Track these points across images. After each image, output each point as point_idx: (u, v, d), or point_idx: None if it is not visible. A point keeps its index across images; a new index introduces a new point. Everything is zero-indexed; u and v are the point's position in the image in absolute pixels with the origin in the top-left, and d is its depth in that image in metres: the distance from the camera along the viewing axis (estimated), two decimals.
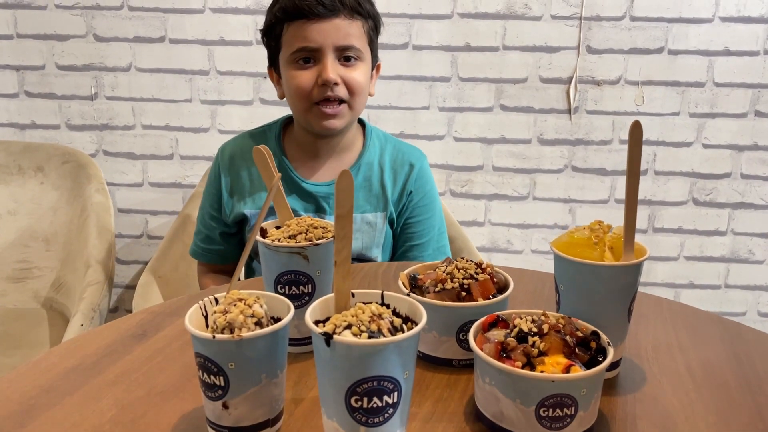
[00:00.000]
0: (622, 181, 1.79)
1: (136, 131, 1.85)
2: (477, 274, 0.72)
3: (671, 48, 1.70)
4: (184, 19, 1.76)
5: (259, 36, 1.75)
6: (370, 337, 0.51)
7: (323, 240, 0.72)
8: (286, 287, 0.72)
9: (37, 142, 1.82)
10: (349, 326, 0.51)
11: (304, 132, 1.17)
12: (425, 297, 0.71)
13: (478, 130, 1.79)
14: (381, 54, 1.74)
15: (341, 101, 1.10)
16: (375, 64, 1.19)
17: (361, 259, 1.18)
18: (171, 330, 0.80)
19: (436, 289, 0.71)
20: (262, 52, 1.78)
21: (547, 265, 1.87)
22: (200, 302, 0.62)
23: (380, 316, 0.52)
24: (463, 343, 0.71)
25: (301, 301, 0.73)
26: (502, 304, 0.71)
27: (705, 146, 1.76)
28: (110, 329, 0.81)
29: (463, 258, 0.75)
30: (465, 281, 0.71)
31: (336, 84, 1.08)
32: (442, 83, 1.77)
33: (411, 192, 1.21)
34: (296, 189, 1.17)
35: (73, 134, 1.86)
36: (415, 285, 0.75)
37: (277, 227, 0.77)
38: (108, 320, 1.95)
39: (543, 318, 0.62)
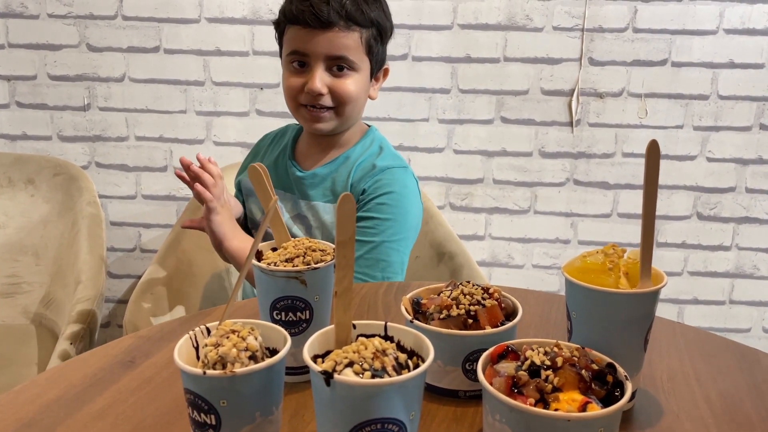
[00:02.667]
0: (625, 195, 1.77)
1: (129, 143, 1.81)
2: (484, 299, 0.69)
3: (675, 60, 1.67)
4: (180, 28, 1.72)
5: (255, 46, 1.73)
6: (373, 376, 0.47)
7: (322, 264, 0.68)
8: (283, 313, 0.69)
9: (28, 153, 1.78)
10: (350, 364, 0.47)
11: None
12: (429, 324, 0.68)
13: (478, 142, 1.76)
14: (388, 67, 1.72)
15: (327, 108, 1.12)
16: (379, 69, 1.18)
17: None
18: (161, 357, 0.76)
19: (441, 316, 0.68)
20: (258, 63, 1.75)
21: (549, 281, 1.84)
22: (191, 333, 0.58)
23: (384, 352, 0.49)
24: (470, 374, 0.67)
25: (299, 328, 0.69)
26: (510, 332, 0.67)
27: (709, 160, 1.73)
28: (97, 355, 0.77)
29: (468, 282, 0.72)
30: (472, 308, 0.67)
31: (321, 94, 1.09)
32: (442, 95, 1.73)
33: (364, 190, 1.13)
34: (286, 168, 1.22)
35: (65, 146, 1.82)
36: (419, 310, 0.71)
37: (273, 249, 0.74)
38: (99, 336, 1.91)
39: (556, 350, 0.58)
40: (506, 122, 1.74)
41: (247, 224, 1.28)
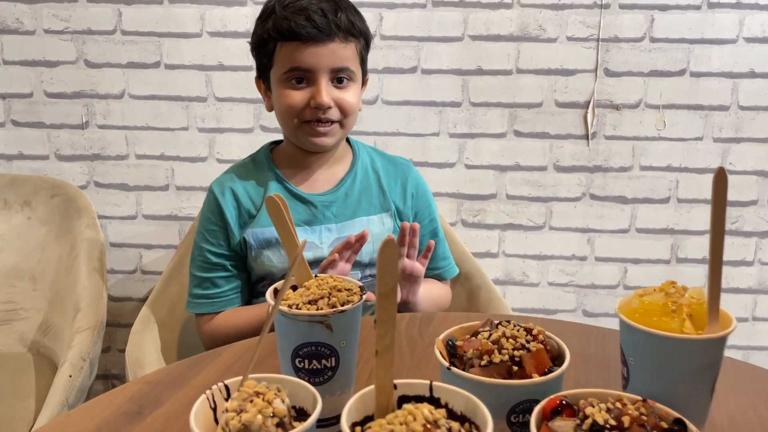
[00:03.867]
0: (642, 210, 1.71)
1: (129, 161, 1.75)
2: (528, 342, 0.62)
3: (693, 70, 1.62)
4: (181, 43, 1.66)
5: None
6: None
7: (349, 306, 0.62)
8: (306, 361, 0.62)
9: (25, 174, 1.71)
10: None
11: (295, 147, 1.16)
12: (469, 371, 0.61)
13: (490, 157, 1.70)
14: (387, 78, 1.67)
15: (332, 122, 1.10)
16: (364, 80, 1.19)
17: (371, 265, 1.15)
18: (171, 405, 0.70)
19: (483, 363, 0.61)
20: None
21: (566, 299, 1.77)
22: (208, 393, 0.51)
23: (436, 424, 0.42)
24: (516, 427, 0.61)
25: (323, 377, 0.63)
26: (559, 380, 0.61)
27: (730, 172, 1.67)
28: (100, 405, 0.70)
29: (509, 322, 0.65)
30: (516, 353, 0.61)
31: (329, 108, 1.07)
32: (453, 108, 1.68)
33: (413, 194, 1.23)
34: (297, 200, 1.16)
35: (63, 165, 1.76)
36: (454, 354, 0.65)
37: (294, 287, 0.67)
38: (100, 362, 1.84)
39: (620, 406, 0.52)
40: (519, 136, 1.68)
41: (252, 283, 1.19)
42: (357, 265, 1.12)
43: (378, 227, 1.15)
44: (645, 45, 1.61)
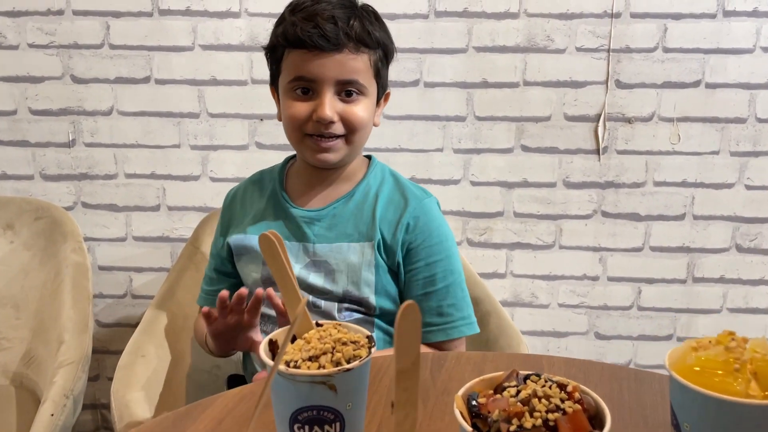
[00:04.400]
0: (657, 227, 1.63)
1: (118, 180, 1.66)
2: (563, 402, 0.54)
3: (709, 81, 1.55)
4: (172, 57, 1.59)
5: (254, 75, 1.60)
6: None
7: (356, 363, 0.54)
8: (306, 427, 0.54)
9: (8, 195, 1.64)
10: None
11: (303, 164, 1.10)
12: None
13: (497, 173, 1.62)
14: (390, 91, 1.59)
15: (338, 136, 1.01)
16: (383, 94, 1.09)
17: (349, 298, 1.04)
18: None
19: (512, 428, 0.53)
20: (257, 92, 1.62)
21: (577, 321, 1.69)
22: None
23: None
24: None
25: None
26: None
27: (748, 187, 1.60)
28: None
29: (539, 377, 0.57)
30: (550, 416, 0.53)
31: (333, 122, 0.99)
32: (457, 123, 1.60)
33: (408, 225, 1.05)
34: (284, 212, 1.09)
35: (49, 185, 1.67)
36: (477, 413, 0.56)
37: (293, 338, 0.59)
38: (88, 390, 1.75)
39: None
40: (527, 151, 1.61)
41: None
42: (331, 297, 1.04)
43: (357, 257, 1.03)
44: (658, 55, 1.54)
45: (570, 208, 1.63)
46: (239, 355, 1.35)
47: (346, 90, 1.00)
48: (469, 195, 1.64)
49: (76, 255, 1.45)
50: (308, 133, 1.01)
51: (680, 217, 1.62)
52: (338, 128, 1.00)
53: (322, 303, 1.04)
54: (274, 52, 1.04)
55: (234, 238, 1.11)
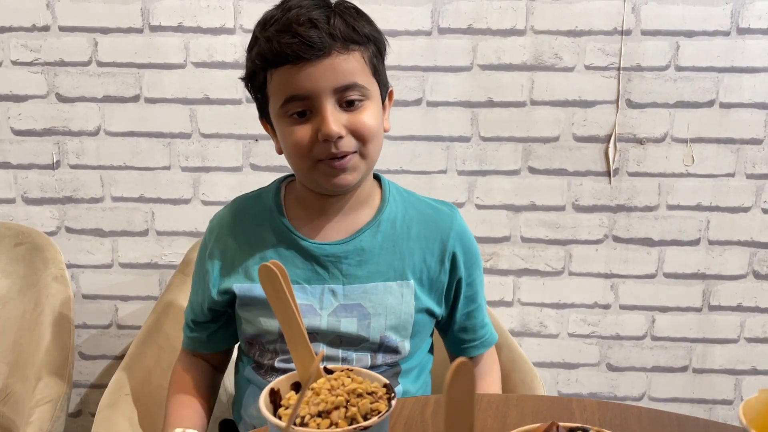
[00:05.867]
0: (670, 253, 1.56)
1: (104, 204, 1.58)
2: None
3: (723, 101, 1.49)
4: (162, 75, 1.51)
5: (248, 93, 1.52)
6: None
7: (375, 419, 0.45)
8: None
9: None
10: None
11: (309, 191, 0.95)
12: None
13: (503, 196, 1.55)
14: (391, 111, 1.52)
15: (351, 152, 0.89)
16: (386, 93, 0.97)
17: (386, 346, 0.92)
18: None
19: None
20: (252, 112, 1.53)
21: (587, 352, 1.61)
22: None
23: None
24: None
25: None
26: None
27: (765, 211, 1.53)
28: None
29: (579, 431, 0.49)
30: None
31: (340, 138, 0.86)
32: (462, 143, 1.53)
33: (455, 256, 0.97)
34: (298, 251, 0.94)
35: (31, 209, 1.59)
36: None
37: (295, 384, 0.50)
38: (70, 428, 1.64)
39: None
40: (535, 173, 1.54)
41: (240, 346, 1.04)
42: (365, 346, 0.92)
43: (396, 298, 0.93)
44: (670, 74, 1.48)
45: (580, 233, 1.56)
46: (228, 395, 1.26)
47: (347, 99, 0.87)
48: (474, 219, 1.57)
49: (57, 283, 1.36)
50: (318, 159, 0.88)
51: (695, 242, 1.55)
52: (349, 143, 0.87)
53: (354, 355, 0.91)
54: (255, 78, 0.92)
55: (241, 288, 0.95)
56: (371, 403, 0.47)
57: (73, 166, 1.56)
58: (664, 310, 1.58)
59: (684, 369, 1.61)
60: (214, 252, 0.99)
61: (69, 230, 1.59)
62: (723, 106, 1.49)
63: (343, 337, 0.91)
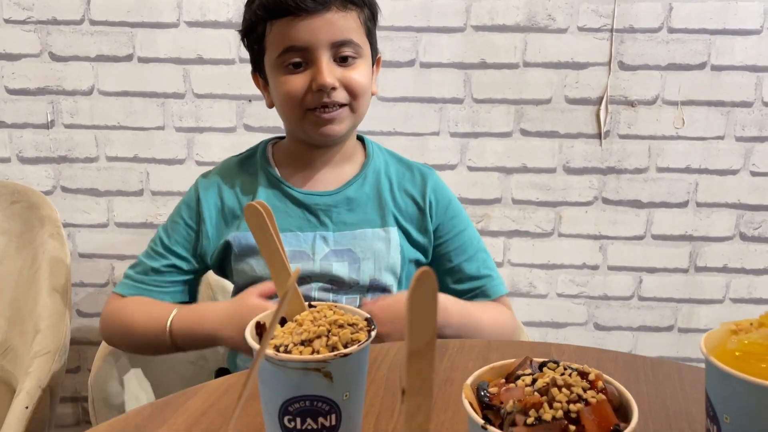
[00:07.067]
0: (659, 215, 1.58)
1: (99, 164, 1.59)
2: (585, 391, 0.48)
3: (714, 63, 1.49)
4: (155, 34, 1.51)
5: (242, 53, 1.52)
6: None
7: (354, 347, 0.48)
8: (298, 419, 0.48)
9: None
10: None
11: (297, 143, 1.01)
12: (511, 431, 0.47)
13: (495, 158, 1.56)
14: (383, 73, 1.52)
15: (341, 105, 0.94)
16: (375, 58, 1.02)
17: (375, 287, 0.98)
18: None
19: (529, 421, 0.47)
20: (245, 72, 1.54)
21: (576, 312, 1.64)
22: None
23: None
24: None
25: None
26: None
27: (753, 174, 1.55)
28: None
29: (556, 364, 0.51)
30: (572, 407, 0.47)
31: (333, 89, 0.91)
32: (454, 105, 1.54)
33: (431, 204, 1.04)
34: (291, 200, 1.00)
35: (26, 168, 1.60)
36: (488, 405, 0.51)
37: (282, 320, 0.53)
38: (68, 382, 1.68)
39: None
40: (526, 135, 1.55)
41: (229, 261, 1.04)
42: (356, 288, 0.97)
43: (383, 243, 0.99)
44: (662, 36, 1.48)
45: (570, 195, 1.58)
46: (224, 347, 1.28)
47: (342, 55, 0.93)
48: (466, 181, 1.58)
49: (54, 240, 1.38)
50: (309, 108, 0.93)
51: (683, 205, 1.57)
52: (340, 95, 0.93)
53: (344, 299, 0.96)
54: (254, 30, 0.97)
55: (236, 236, 0.99)
56: (352, 333, 0.49)
57: (67, 126, 1.57)
58: (651, 271, 1.61)
59: (669, 329, 1.65)
60: (206, 207, 1.02)
61: (64, 189, 1.61)
62: (714, 68, 1.50)
63: (334, 281, 0.96)
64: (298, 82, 0.92)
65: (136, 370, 1.13)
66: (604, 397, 0.48)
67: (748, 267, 1.60)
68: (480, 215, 1.60)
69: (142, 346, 1.00)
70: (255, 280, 0.96)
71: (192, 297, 1.06)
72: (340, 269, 0.96)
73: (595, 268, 1.62)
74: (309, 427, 0.48)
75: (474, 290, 1.06)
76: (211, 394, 0.67)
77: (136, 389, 1.10)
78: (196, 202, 1.03)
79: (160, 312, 0.95)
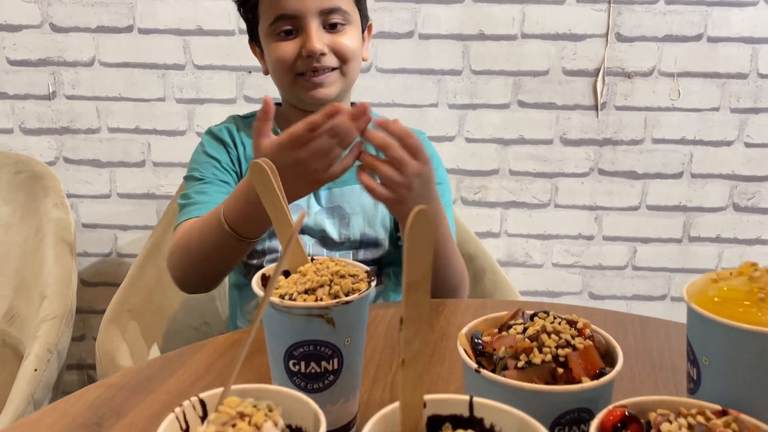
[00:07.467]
0: (654, 186, 1.60)
1: (101, 135, 1.61)
2: (573, 338, 0.51)
3: (711, 35, 1.51)
4: (156, 5, 1.52)
5: (242, 24, 1.53)
6: None
7: (355, 296, 0.50)
8: (302, 363, 0.51)
9: None
10: None
11: (293, 108, 1.05)
12: (503, 374, 0.50)
13: (493, 129, 1.58)
14: (382, 44, 1.54)
15: (332, 69, 0.97)
16: (366, 25, 1.05)
17: (366, 241, 1.02)
18: (137, 416, 0.58)
19: (520, 365, 0.50)
20: (245, 43, 1.55)
21: (571, 281, 1.67)
22: (178, 410, 0.39)
23: None
24: None
25: (324, 382, 0.51)
26: (612, 385, 0.50)
27: (747, 145, 1.57)
28: (53, 415, 0.59)
29: (547, 314, 0.54)
30: (560, 351, 0.50)
31: (323, 54, 0.95)
32: (453, 77, 1.55)
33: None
34: None
35: (29, 139, 1.61)
36: (481, 351, 0.53)
37: (285, 273, 0.55)
38: (73, 351, 1.71)
39: (702, 420, 0.41)
40: (524, 106, 1.57)
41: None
42: (347, 244, 1.01)
43: (371, 198, 1.01)
44: (660, 7, 1.49)
45: (566, 166, 1.60)
46: (226, 315, 1.31)
47: (331, 22, 0.97)
48: (464, 152, 1.60)
49: (57, 210, 1.40)
50: (300, 73, 0.97)
51: (678, 176, 1.59)
52: (330, 60, 0.96)
53: (337, 255, 0.99)
54: (248, 1, 1.01)
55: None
56: (353, 283, 0.52)
57: (69, 97, 1.58)
58: (645, 241, 1.64)
59: (663, 297, 1.68)
60: (226, 140, 1.06)
61: (67, 160, 1.62)
62: (711, 40, 1.51)
63: (327, 238, 1.00)
64: (288, 48, 0.96)
65: (142, 333, 1.16)
66: (591, 343, 0.51)
67: (740, 237, 1.63)
68: (477, 186, 1.62)
69: (205, 254, 0.90)
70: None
71: None
72: (331, 226, 1.01)
73: (590, 238, 1.65)
74: (313, 371, 0.50)
75: None
76: (217, 348, 0.70)
77: (142, 351, 1.13)
78: (218, 138, 1.06)
79: (211, 211, 0.90)
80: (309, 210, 1.02)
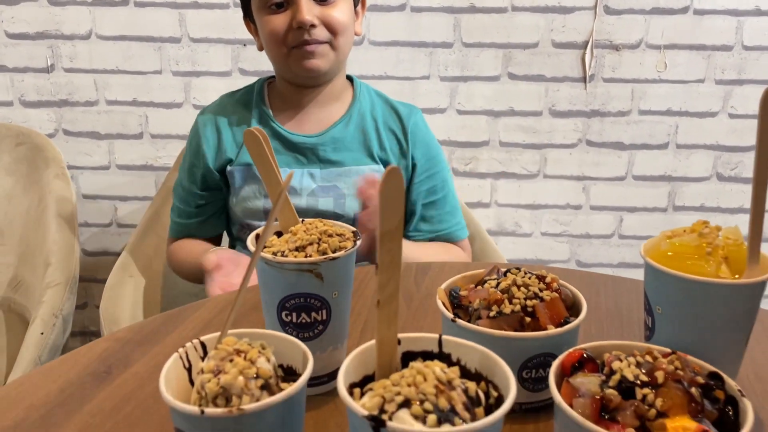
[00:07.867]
0: (641, 156, 1.64)
1: (99, 107, 1.64)
2: (541, 291, 0.56)
3: (697, 7, 1.53)
4: None
5: None
6: (440, 422, 0.34)
7: (341, 252, 0.55)
8: (294, 314, 0.55)
9: None
10: (406, 402, 0.34)
11: (287, 83, 1.07)
12: (476, 323, 0.55)
13: (483, 101, 1.62)
14: (374, 17, 1.56)
15: (323, 42, 1.00)
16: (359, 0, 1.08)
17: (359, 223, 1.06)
18: (143, 365, 0.63)
19: (491, 314, 0.55)
20: (240, 16, 1.58)
21: (559, 250, 1.72)
22: (181, 350, 0.44)
23: (450, 385, 0.36)
24: (528, 383, 0.55)
25: (314, 331, 0.56)
26: (576, 332, 0.55)
27: (731, 116, 1.61)
28: (65, 364, 0.64)
29: (518, 269, 0.59)
30: (528, 302, 0.55)
31: (313, 26, 0.97)
32: (444, 49, 1.58)
33: (411, 137, 1.10)
34: (280, 140, 1.07)
35: (29, 112, 1.64)
36: (459, 304, 0.58)
37: (278, 233, 0.60)
38: (76, 318, 1.76)
39: (650, 359, 0.46)
40: (514, 79, 1.60)
41: (230, 226, 1.15)
42: (341, 221, 1.05)
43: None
44: None
45: (555, 137, 1.64)
46: None
47: None
48: (455, 124, 1.64)
49: (59, 180, 1.44)
50: (292, 46, 0.99)
51: (663, 146, 1.63)
52: (321, 33, 0.98)
53: None
54: None
55: (237, 169, 1.07)
56: (340, 242, 0.56)
57: (67, 70, 1.61)
58: (631, 210, 1.68)
59: None
60: (206, 143, 1.09)
61: (66, 133, 1.66)
62: (696, 12, 1.54)
63: (322, 214, 1.03)
64: (279, 21, 0.98)
65: (144, 298, 1.21)
66: (557, 295, 0.56)
67: (723, 206, 1.67)
68: (468, 158, 1.66)
69: (194, 279, 1.11)
70: (257, 213, 1.05)
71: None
72: (326, 204, 1.04)
73: (578, 207, 1.69)
74: (303, 321, 0.55)
75: (437, 232, 1.12)
76: (216, 305, 0.75)
77: (148, 315, 1.18)
78: (196, 141, 1.11)
79: (197, 254, 1.06)
80: (302, 189, 1.04)
